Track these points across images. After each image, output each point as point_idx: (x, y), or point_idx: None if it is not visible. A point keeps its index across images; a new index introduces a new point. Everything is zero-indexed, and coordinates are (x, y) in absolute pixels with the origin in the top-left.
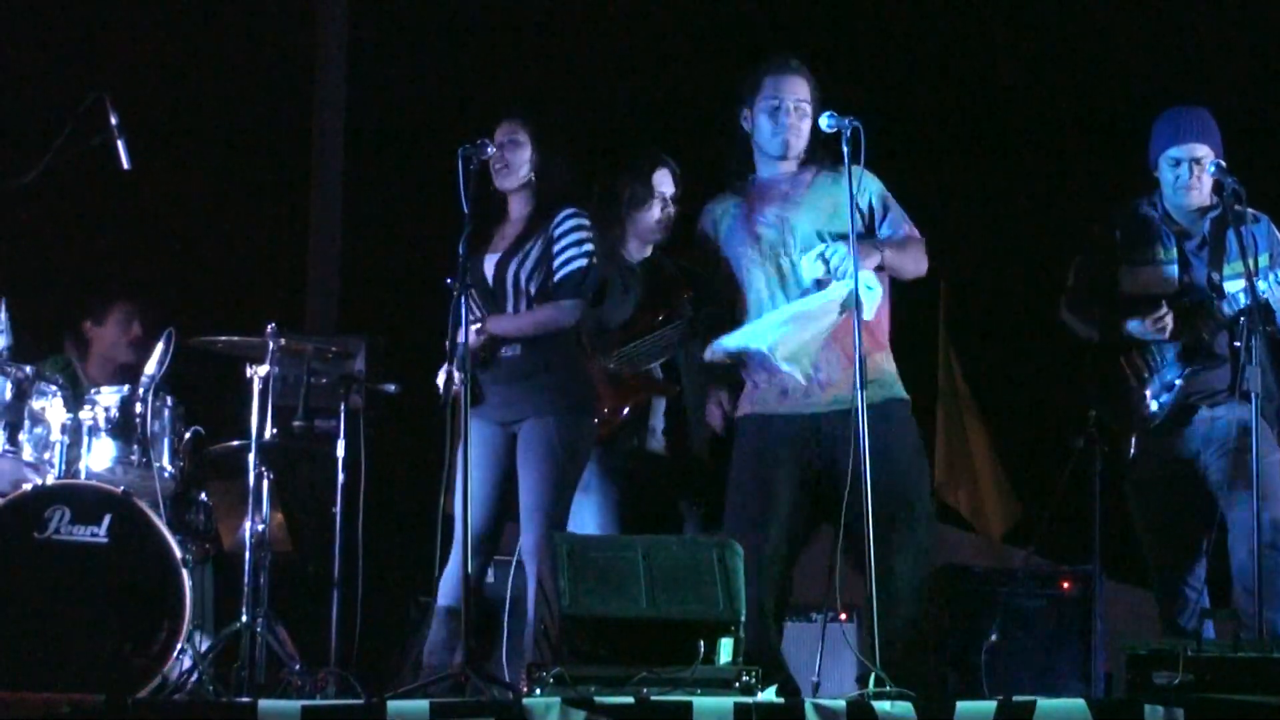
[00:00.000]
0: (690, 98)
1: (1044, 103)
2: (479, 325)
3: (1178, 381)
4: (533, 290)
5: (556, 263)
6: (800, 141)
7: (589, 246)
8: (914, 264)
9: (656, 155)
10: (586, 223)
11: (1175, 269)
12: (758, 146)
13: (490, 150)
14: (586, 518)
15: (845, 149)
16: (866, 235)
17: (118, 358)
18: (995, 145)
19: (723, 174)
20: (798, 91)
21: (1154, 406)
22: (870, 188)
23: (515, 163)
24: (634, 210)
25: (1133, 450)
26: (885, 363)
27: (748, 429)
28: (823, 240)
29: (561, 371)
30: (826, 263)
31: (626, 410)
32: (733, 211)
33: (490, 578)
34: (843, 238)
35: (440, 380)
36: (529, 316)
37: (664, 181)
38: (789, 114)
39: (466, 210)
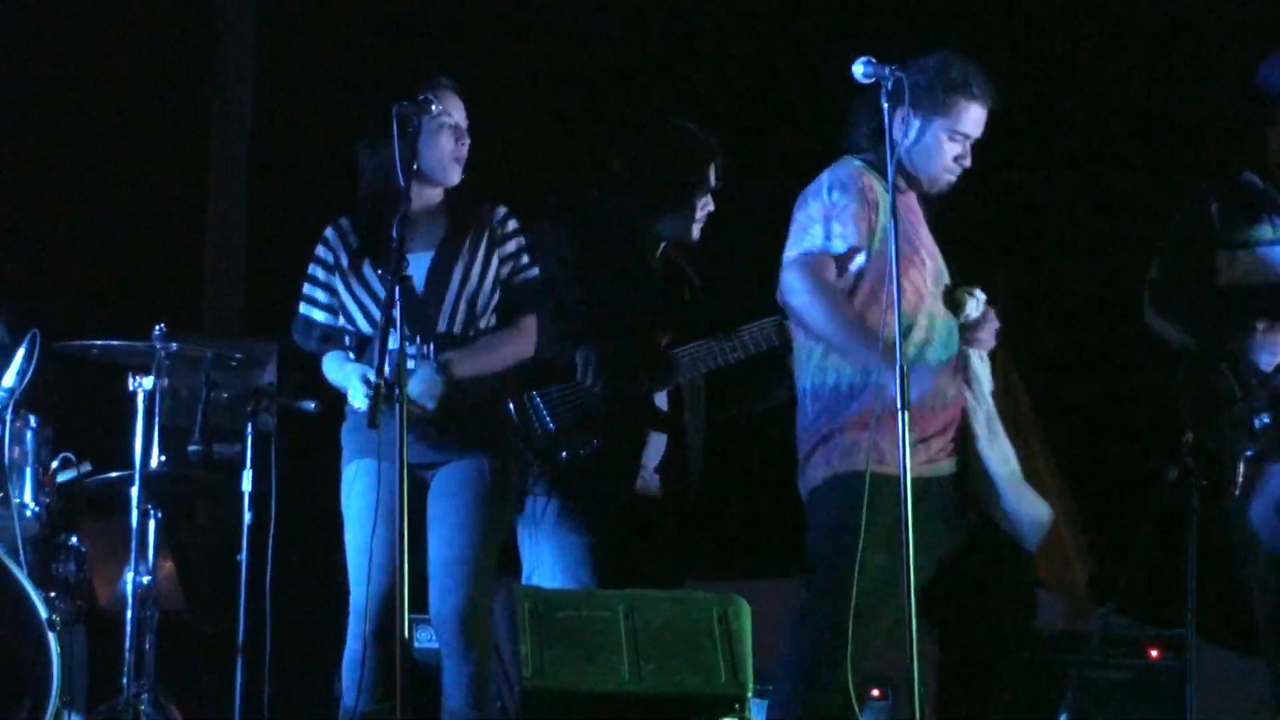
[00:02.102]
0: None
1: (1131, 55)
2: (438, 368)
3: None
4: (491, 304)
5: (509, 269)
6: None
7: (531, 254)
8: None
9: (713, 146)
10: (519, 223)
11: None
12: (914, 161)
13: (436, 109)
14: (553, 567)
15: (885, 106)
16: None
17: None
18: (1067, 106)
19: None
20: (981, 129)
21: (1265, 420)
22: None
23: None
24: (670, 207)
25: (1239, 480)
26: None
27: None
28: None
29: (492, 401)
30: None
31: (618, 440)
32: (886, 207)
33: (431, 640)
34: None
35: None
36: (498, 349)
37: (714, 177)
38: (968, 156)
39: (403, 183)
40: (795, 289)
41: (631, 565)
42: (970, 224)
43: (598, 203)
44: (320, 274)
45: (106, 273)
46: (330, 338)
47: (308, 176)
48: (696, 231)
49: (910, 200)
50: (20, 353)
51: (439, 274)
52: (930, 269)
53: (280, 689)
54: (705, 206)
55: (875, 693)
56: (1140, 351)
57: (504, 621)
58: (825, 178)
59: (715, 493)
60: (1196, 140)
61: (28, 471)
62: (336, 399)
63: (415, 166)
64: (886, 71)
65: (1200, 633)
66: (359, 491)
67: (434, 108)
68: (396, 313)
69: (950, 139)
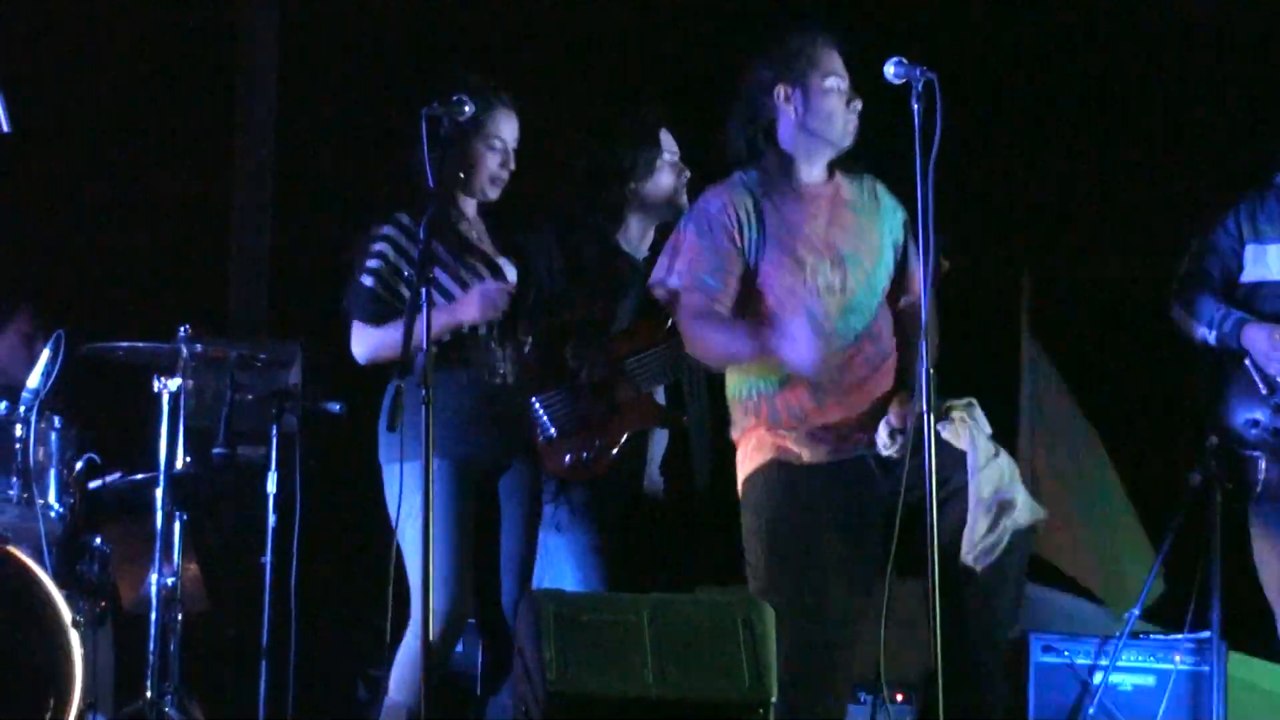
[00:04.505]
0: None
1: (1158, 49)
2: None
3: None
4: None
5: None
6: None
7: None
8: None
9: (658, 112)
10: None
11: None
12: (809, 135)
13: (469, 110)
14: (561, 569)
15: (915, 108)
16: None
17: (8, 378)
18: (1093, 103)
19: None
20: (844, 69)
21: (1272, 420)
22: (899, 218)
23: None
24: (640, 182)
25: (1260, 477)
26: None
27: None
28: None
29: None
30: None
31: (623, 440)
32: (755, 211)
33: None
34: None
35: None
36: None
37: (670, 144)
38: (853, 99)
39: (432, 185)
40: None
41: (642, 567)
42: (995, 227)
43: (573, 204)
44: (390, 253)
45: (131, 274)
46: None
47: (332, 178)
48: (677, 204)
49: (794, 195)
50: (46, 354)
51: (524, 286)
52: (809, 266)
53: (304, 691)
54: (682, 175)
55: (899, 697)
56: (1166, 353)
57: (527, 625)
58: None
59: (728, 493)
60: (1227, 141)
61: (52, 473)
62: (360, 401)
63: (461, 175)
64: (918, 72)
65: (1225, 637)
66: (437, 492)
67: (466, 109)
68: (423, 316)
69: (829, 90)
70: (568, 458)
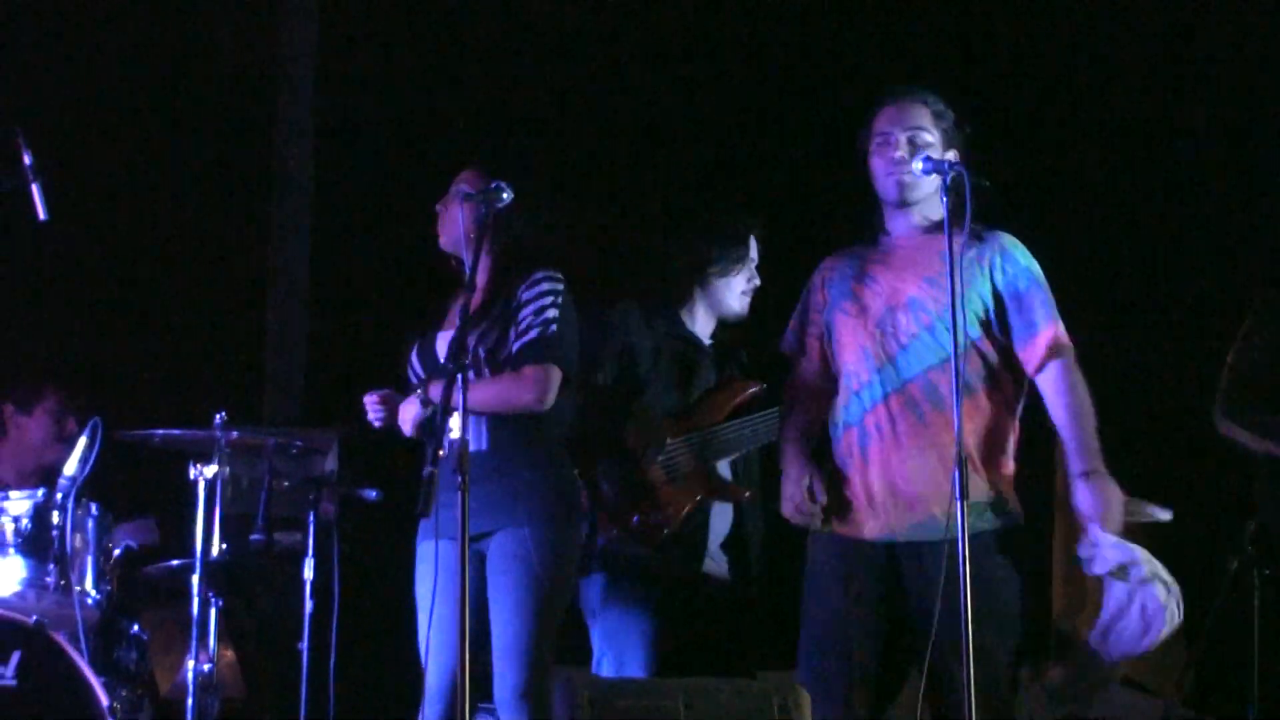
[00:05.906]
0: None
1: (1199, 118)
2: (419, 397)
3: None
4: (492, 361)
5: (520, 328)
6: (922, 185)
7: (554, 311)
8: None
9: (751, 220)
10: (560, 285)
11: None
12: (879, 198)
13: (507, 196)
14: (618, 652)
15: (943, 200)
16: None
17: (41, 458)
18: (1129, 176)
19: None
20: (909, 119)
21: None
22: (1012, 267)
23: (448, 218)
24: (718, 278)
25: None
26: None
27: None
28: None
29: (542, 470)
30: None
31: (683, 514)
32: (846, 270)
33: None
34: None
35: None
36: (484, 388)
37: (754, 250)
38: (898, 148)
39: (469, 271)
40: None
41: (700, 652)
42: None
43: (646, 291)
44: None
45: (168, 361)
46: None
47: (368, 265)
48: (742, 305)
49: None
50: (83, 441)
51: (457, 345)
52: (872, 311)
53: None
54: (751, 280)
55: None
56: (1203, 435)
57: (562, 710)
58: None
59: (784, 575)
60: (1269, 230)
61: (89, 559)
62: (397, 488)
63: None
64: (946, 165)
65: None
66: (421, 575)
67: (504, 195)
68: (459, 399)
69: (873, 151)
70: (600, 539)
